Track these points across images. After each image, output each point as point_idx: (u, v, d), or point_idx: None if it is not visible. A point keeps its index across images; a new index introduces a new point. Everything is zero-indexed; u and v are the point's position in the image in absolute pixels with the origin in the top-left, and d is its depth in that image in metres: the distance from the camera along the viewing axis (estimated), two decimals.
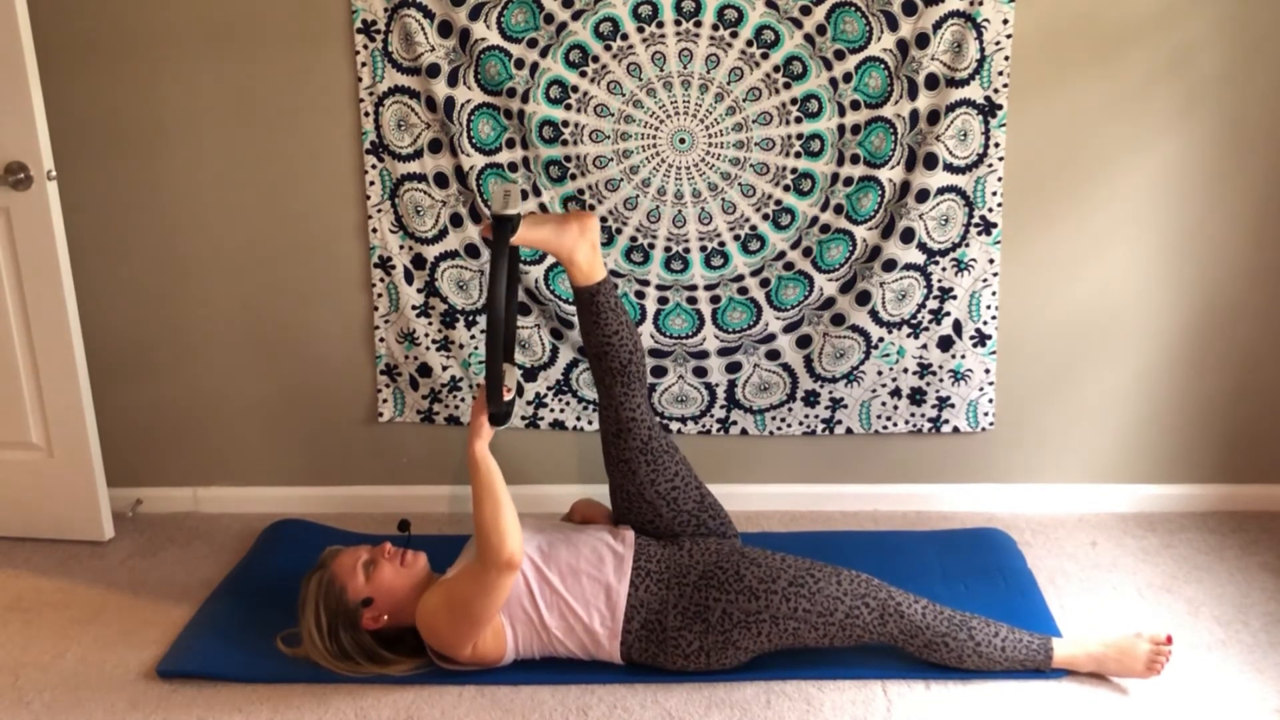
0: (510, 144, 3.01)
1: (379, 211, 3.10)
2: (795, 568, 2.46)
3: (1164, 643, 2.43)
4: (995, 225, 3.02)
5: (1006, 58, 2.88)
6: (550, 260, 3.08)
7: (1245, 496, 3.24)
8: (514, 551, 2.32)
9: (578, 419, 3.25)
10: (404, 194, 3.07)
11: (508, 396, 2.46)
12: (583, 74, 2.94)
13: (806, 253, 3.06)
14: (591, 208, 3.05)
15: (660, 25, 2.90)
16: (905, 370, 3.15)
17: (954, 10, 2.84)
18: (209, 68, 3.02)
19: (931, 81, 2.90)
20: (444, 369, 3.22)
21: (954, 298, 3.08)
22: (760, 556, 2.50)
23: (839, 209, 3.01)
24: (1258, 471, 3.24)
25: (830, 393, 3.18)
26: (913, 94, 2.91)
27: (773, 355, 3.16)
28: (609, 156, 3.00)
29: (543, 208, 3.05)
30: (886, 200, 2.99)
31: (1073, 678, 2.47)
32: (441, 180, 3.05)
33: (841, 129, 2.96)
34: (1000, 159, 2.97)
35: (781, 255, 3.07)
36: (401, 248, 3.13)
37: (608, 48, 2.92)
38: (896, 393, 3.18)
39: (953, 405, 3.18)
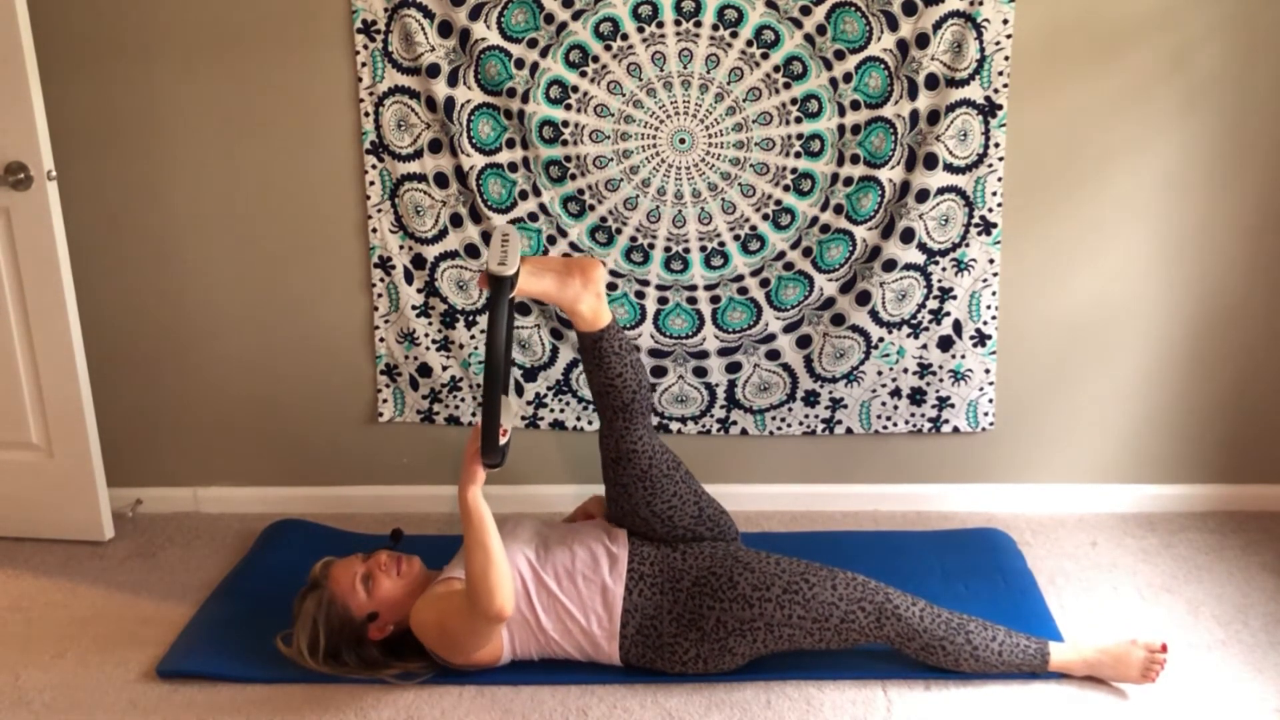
0: (510, 144, 3.01)
1: (379, 211, 3.10)
2: (790, 573, 2.46)
3: (1159, 650, 2.42)
4: (995, 225, 3.02)
5: (1006, 58, 2.88)
6: None
7: (1245, 496, 3.24)
8: (503, 606, 2.29)
9: (578, 419, 3.25)
10: (404, 194, 3.07)
11: (504, 439, 2.39)
12: (583, 74, 2.94)
13: (806, 253, 3.06)
14: (592, 208, 3.04)
15: (660, 25, 2.90)
16: (905, 370, 3.15)
17: (954, 10, 2.84)
18: (209, 68, 3.02)
19: (931, 81, 2.89)
20: (444, 369, 3.22)
21: (954, 298, 3.08)
22: (755, 561, 2.49)
23: (839, 209, 3.01)
24: (1258, 471, 3.24)
25: (830, 393, 3.18)
26: (913, 94, 2.90)
27: (773, 355, 3.16)
28: (609, 156, 3.00)
29: (543, 208, 3.05)
30: (886, 200, 2.99)
31: (1074, 679, 2.47)
32: (441, 180, 3.05)
33: (841, 129, 2.96)
34: (1000, 159, 2.97)
35: (781, 255, 3.07)
36: (401, 248, 3.13)
37: (608, 48, 2.92)
38: (896, 393, 3.18)
39: (953, 405, 3.18)
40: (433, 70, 2.94)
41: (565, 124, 2.97)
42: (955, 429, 3.20)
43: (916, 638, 2.42)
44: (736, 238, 3.06)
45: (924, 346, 3.13)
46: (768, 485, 3.30)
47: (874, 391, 3.18)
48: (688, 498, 2.60)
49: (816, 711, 2.40)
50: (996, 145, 2.95)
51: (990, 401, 3.17)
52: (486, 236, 3.08)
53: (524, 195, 3.05)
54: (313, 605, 2.47)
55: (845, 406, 3.19)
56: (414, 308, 3.17)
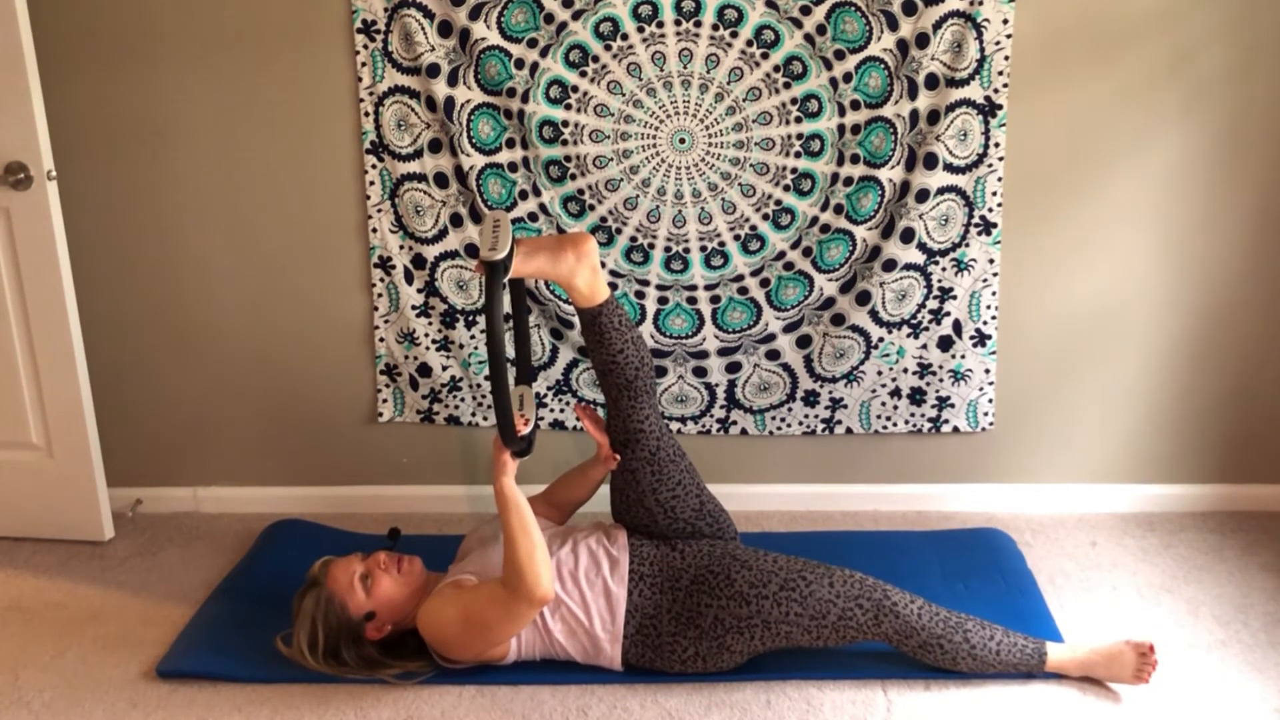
0: (510, 144, 3.01)
1: (379, 211, 3.10)
2: (787, 570, 2.46)
3: (1147, 651, 2.42)
4: (995, 225, 3.02)
5: (1006, 58, 2.88)
6: None
7: (1245, 496, 3.24)
8: (548, 589, 2.32)
9: (578, 419, 3.25)
10: (404, 194, 3.07)
11: (526, 428, 2.44)
12: (583, 74, 2.94)
13: (806, 253, 3.06)
14: (592, 208, 3.05)
15: (660, 25, 2.90)
16: (905, 370, 3.15)
17: (954, 10, 2.84)
18: (209, 67, 3.02)
19: (931, 81, 2.89)
20: (444, 369, 3.22)
21: (954, 298, 3.08)
22: (752, 559, 2.49)
23: (839, 209, 3.01)
24: (1258, 471, 3.24)
25: (830, 393, 3.18)
26: (913, 94, 2.91)
27: (773, 355, 3.16)
28: (609, 156, 3.00)
29: (543, 208, 3.05)
30: (886, 200, 2.99)
31: (1071, 679, 2.47)
32: (441, 180, 3.05)
33: (841, 129, 2.96)
34: (1000, 159, 2.97)
35: (781, 255, 3.07)
36: (401, 248, 3.13)
37: (608, 48, 2.92)
38: (896, 393, 3.18)
39: (953, 405, 3.18)
40: (433, 70, 2.94)
41: (565, 124, 2.97)
42: (955, 429, 3.20)
43: (914, 635, 2.41)
44: (736, 238, 3.06)
45: (924, 346, 3.13)
46: (768, 485, 3.30)
47: (874, 391, 3.18)
48: (690, 489, 2.61)
49: (816, 711, 2.40)
50: (996, 145, 2.95)
51: (990, 401, 3.17)
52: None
53: (524, 195, 3.05)
54: (311, 604, 2.47)
55: (845, 406, 3.19)
56: (414, 308, 3.17)
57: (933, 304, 3.09)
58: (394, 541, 2.70)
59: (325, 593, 2.47)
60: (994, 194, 3.00)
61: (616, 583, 2.47)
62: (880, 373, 3.16)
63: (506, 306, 2.48)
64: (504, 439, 2.40)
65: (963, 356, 3.13)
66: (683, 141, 2.99)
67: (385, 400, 3.27)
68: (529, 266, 2.43)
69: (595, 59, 2.93)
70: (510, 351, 2.69)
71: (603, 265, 3.07)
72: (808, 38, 2.90)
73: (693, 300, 3.12)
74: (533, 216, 3.06)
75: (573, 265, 2.46)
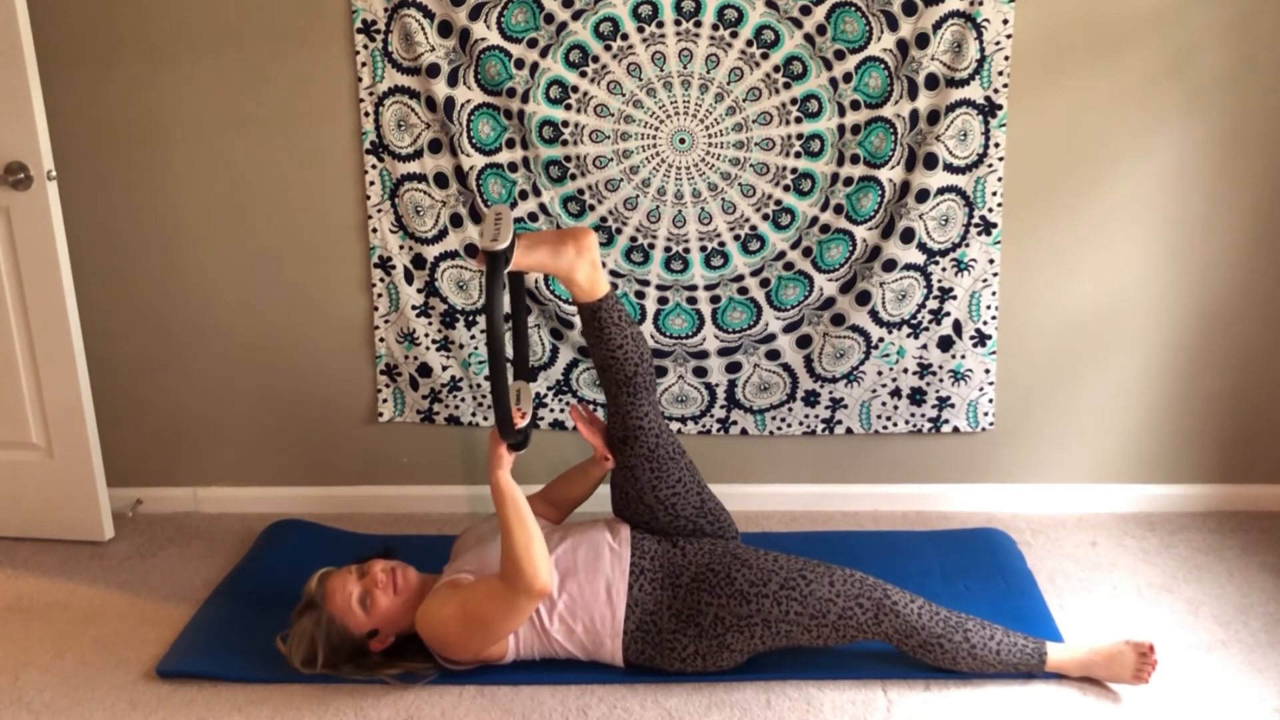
0: (510, 144, 3.01)
1: (379, 211, 3.10)
2: (787, 569, 2.46)
3: (1147, 651, 2.42)
4: (995, 225, 3.02)
5: (1006, 58, 2.88)
6: None
7: (1245, 496, 3.24)
8: (547, 582, 2.32)
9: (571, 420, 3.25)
10: (404, 194, 3.07)
11: (523, 422, 2.44)
12: (583, 74, 2.94)
13: (806, 253, 3.06)
14: (592, 208, 3.04)
15: (660, 25, 2.90)
16: (905, 370, 3.15)
17: (954, 10, 2.84)
18: (209, 67, 3.02)
19: (931, 81, 2.89)
20: (444, 369, 3.22)
21: (954, 298, 3.08)
22: (753, 558, 2.49)
23: (839, 209, 3.01)
24: (1258, 471, 3.24)
25: (830, 393, 3.18)
26: (913, 94, 2.91)
27: (773, 355, 3.16)
28: (609, 156, 3.00)
29: (543, 208, 3.05)
30: (886, 200, 2.99)
31: (1071, 679, 2.47)
32: (441, 180, 3.05)
33: (841, 129, 2.96)
34: (1000, 159, 2.97)
35: (781, 255, 3.07)
36: (401, 248, 3.13)
37: (608, 48, 2.92)
38: (896, 393, 3.18)
39: (953, 405, 3.18)
40: (433, 70, 2.95)
41: (565, 124, 2.97)
42: (955, 429, 3.20)
43: (914, 635, 2.41)
44: (736, 238, 3.06)
45: (924, 346, 3.13)
46: (768, 485, 3.30)
47: (874, 391, 3.18)
48: (691, 486, 2.61)
49: (816, 711, 2.40)
50: (996, 145, 2.95)
51: (990, 401, 3.17)
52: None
53: (524, 195, 3.05)
54: (310, 624, 2.47)
55: (845, 406, 3.19)
56: (414, 308, 3.17)
57: (933, 304, 3.09)
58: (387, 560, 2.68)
59: (325, 615, 2.46)
60: (994, 194, 3.00)
61: (618, 576, 2.47)
62: (880, 373, 3.16)
63: (506, 304, 2.48)
64: (501, 431, 2.41)
65: (963, 356, 3.13)
66: (683, 142, 2.99)
67: (385, 400, 3.27)
68: (530, 260, 2.43)
69: (595, 59, 2.93)
70: (510, 349, 2.69)
71: (603, 265, 3.07)
72: (808, 38, 2.90)
73: (693, 300, 3.12)
74: (533, 216, 3.06)
75: (573, 259, 2.46)
